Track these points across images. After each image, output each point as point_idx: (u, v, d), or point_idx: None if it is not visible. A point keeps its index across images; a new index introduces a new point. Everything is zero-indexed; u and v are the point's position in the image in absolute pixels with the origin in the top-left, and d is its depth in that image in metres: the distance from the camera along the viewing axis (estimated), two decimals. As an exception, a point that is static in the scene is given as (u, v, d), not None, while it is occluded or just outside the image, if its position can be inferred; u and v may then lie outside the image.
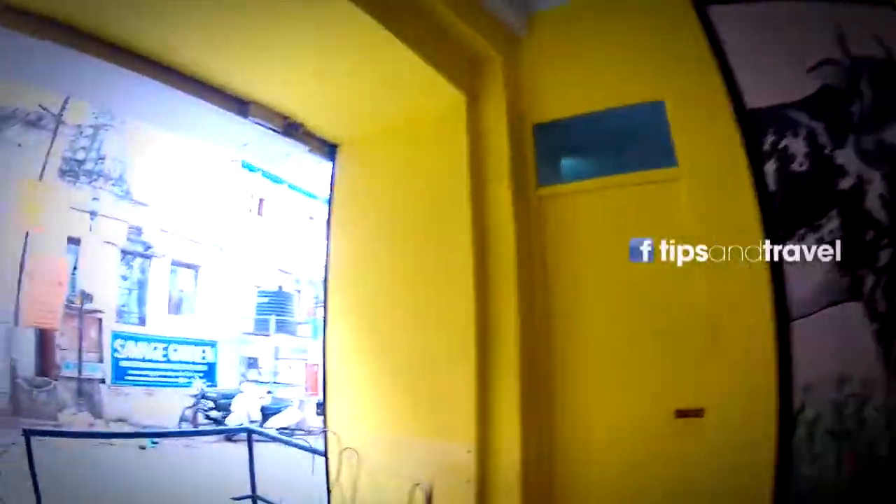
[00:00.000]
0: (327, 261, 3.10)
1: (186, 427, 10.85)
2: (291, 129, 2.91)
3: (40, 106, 10.63)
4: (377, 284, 2.83)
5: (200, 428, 10.81)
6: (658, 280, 2.32)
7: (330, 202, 3.15)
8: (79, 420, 10.19)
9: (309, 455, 3.46)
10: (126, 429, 10.23)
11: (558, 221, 2.61)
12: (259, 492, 3.74)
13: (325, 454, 2.93)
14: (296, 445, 3.08)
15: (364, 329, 2.88)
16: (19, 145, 10.75)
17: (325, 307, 3.10)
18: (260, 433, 3.16)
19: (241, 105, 2.72)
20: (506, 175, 2.55)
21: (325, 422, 2.98)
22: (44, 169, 10.80)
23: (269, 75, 2.58)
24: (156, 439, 9.41)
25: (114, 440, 7.89)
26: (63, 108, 10.77)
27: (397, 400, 2.70)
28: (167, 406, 11.28)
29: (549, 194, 2.65)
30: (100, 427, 10.04)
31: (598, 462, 2.39)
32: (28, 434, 2.90)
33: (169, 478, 6.81)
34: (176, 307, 13.64)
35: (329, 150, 3.12)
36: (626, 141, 2.62)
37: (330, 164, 3.16)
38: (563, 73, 2.65)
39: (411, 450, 2.58)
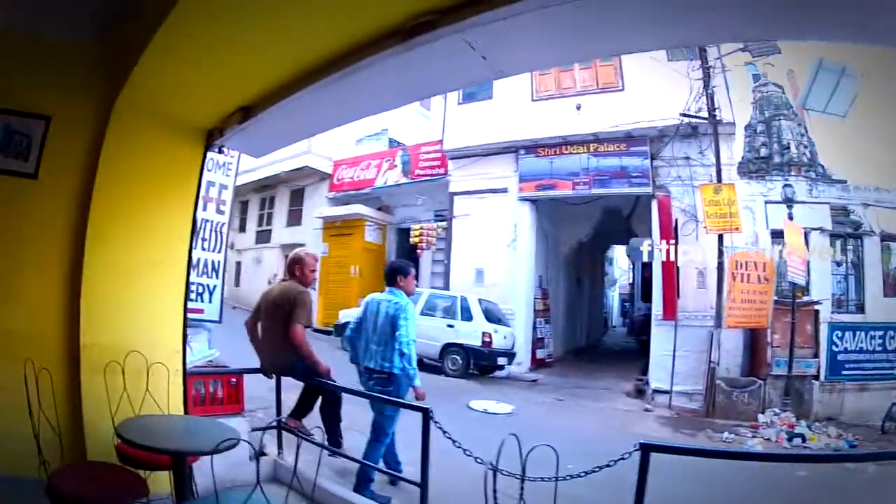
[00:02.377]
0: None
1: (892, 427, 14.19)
2: None
3: (683, 115, 17.99)
4: None
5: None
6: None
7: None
8: (780, 421, 14.56)
9: None
10: (831, 431, 14.16)
11: None
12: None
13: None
14: None
15: None
16: (687, 158, 18.81)
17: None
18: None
19: None
20: None
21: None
22: (719, 172, 17.43)
23: None
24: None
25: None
26: (712, 112, 17.79)
27: None
28: (877, 402, 15.25)
29: None
30: (800, 430, 14.07)
31: None
32: (646, 448, 4.02)
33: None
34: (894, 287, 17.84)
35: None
36: None
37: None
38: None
39: None
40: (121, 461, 4.47)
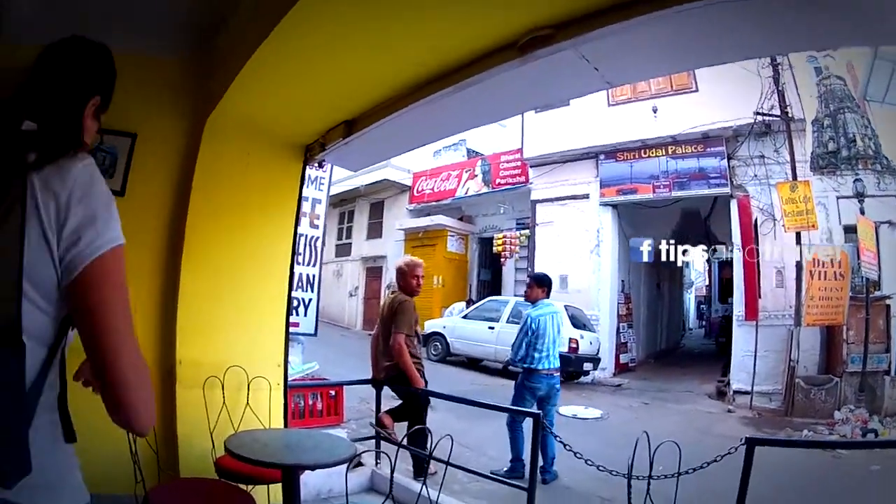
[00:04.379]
0: None
1: None
2: None
3: (757, 113, 18.07)
4: None
5: None
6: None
7: None
8: (855, 417, 14.69)
9: None
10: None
11: None
12: None
13: None
14: None
15: None
16: (762, 156, 18.75)
17: None
18: None
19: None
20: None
21: None
22: (794, 169, 17.42)
23: None
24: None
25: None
26: (784, 109, 17.81)
27: None
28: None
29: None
30: (873, 425, 14.20)
31: None
32: (751, 443, 4.11)
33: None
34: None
35: None
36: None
37: None
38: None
39: None
40: (220, 476, 4.48)
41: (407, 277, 7.56)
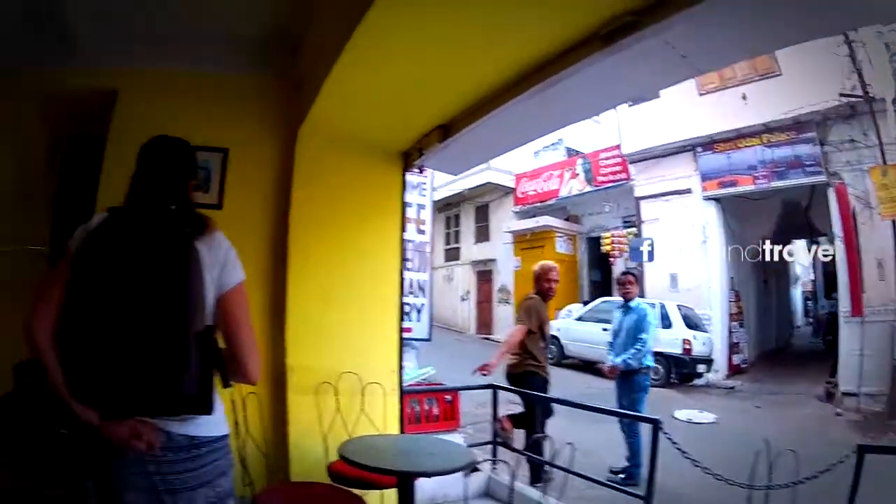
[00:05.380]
0: None
1: None
2: None
3: (842, 95, 17.21)
4: None
5: None
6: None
7: None
8: None
9: None
10: None
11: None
12: None
13: None
14: None
15: None
16: (851, 140, 17.68)
17: None
18: None
19: None
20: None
21: None
22: (882, 153, 16.31)
23: None
24: None
25: None
26: (866, 89, 16.71)
27: None
28: None
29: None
30: None
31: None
32: (862, 450, 3.92)
33: None
34: None
35: None
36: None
37: None
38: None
39: None
40: (334, 481, 4.58)
41: (540, 281, 7.90)
